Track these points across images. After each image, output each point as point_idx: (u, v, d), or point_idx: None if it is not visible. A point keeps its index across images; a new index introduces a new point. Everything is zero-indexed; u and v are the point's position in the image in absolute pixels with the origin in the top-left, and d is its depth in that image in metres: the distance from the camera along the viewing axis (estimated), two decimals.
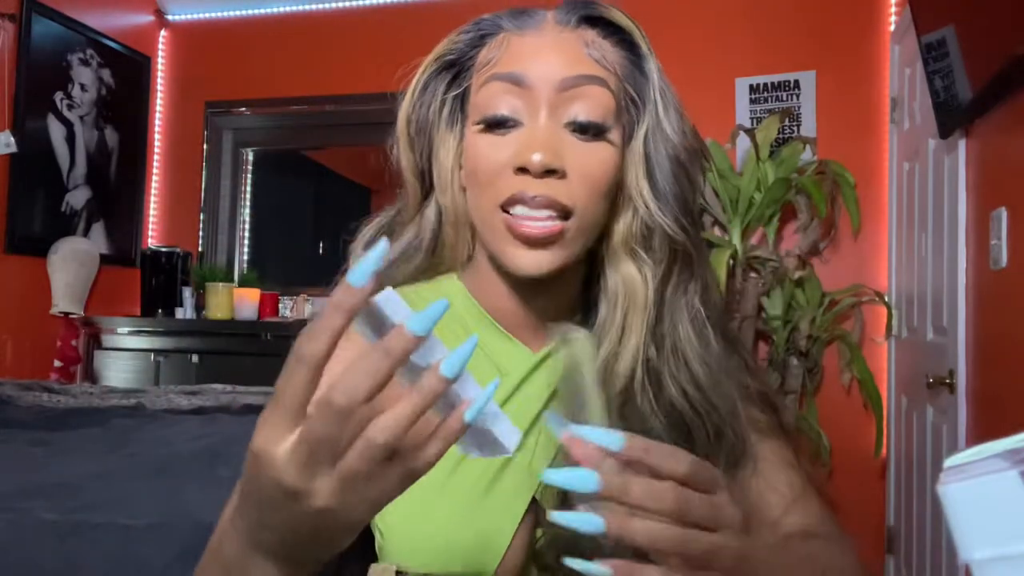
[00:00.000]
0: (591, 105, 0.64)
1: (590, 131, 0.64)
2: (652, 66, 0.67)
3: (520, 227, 0.62)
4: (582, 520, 0.44)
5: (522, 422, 0.67)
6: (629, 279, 0.67)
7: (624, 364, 0.65)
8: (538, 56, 0.65)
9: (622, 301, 0.67)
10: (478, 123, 0.66)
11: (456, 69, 0.70)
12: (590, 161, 0.64)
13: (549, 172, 0.62)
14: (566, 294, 0.71)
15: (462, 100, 0.70)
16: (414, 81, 0.70)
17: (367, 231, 0.75)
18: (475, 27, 0.69)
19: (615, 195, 0.67)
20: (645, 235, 0.67)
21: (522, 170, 0.62)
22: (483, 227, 0.67)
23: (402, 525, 0.64)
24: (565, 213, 0.63)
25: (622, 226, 0.67)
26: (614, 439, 0.45)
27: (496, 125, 0.65)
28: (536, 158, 0.61)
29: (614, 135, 0.65)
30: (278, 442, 0.40)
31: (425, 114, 0.70)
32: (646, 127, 0.67)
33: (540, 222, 0.62)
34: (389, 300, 0.40)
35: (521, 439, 0.44)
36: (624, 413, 0.65)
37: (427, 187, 0.73)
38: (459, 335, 0.70)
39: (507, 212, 0.63)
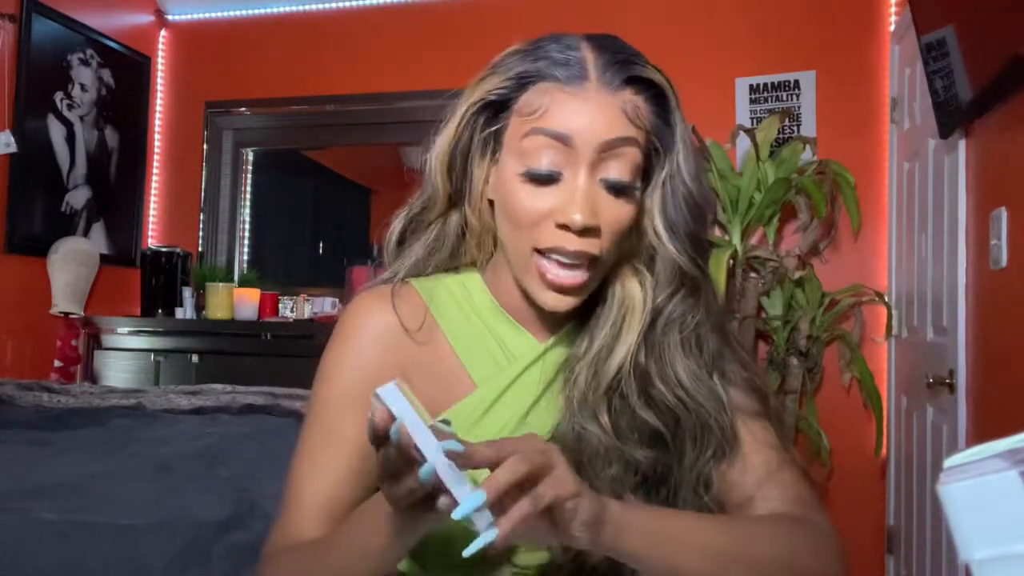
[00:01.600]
0: (623, 164, 0.72)
1: (619, 189, 0.72)
2: (677, 118, 0.76)
3: (549, 276, 0.72)
4: (484, 537, 0.56)
5: (520, 407, 0.79)
6: (631, 291, 0.77)
7: (616, 359, 0.75)
8: (583, 118, 0.71)
9: (622, 307, 0.77)
10: (521, 173, 0.73)
11: (495, 107, 0.77)
12: (618, 215, 0.73)
13: (587, 230, 0.71)
14: None
15: (496, 132, 0.77)
16: (457, 117, 0.78)
17: (396, 224, 0.85)
18: (518, 75, 0.75)
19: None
20: (652, 258, 0.77)
21: (563, 226, 0.71)
22: (517, 262, 0.76)
23: None
24: (593, 260, 0.73)
25: (633, 249, 0.77)
26: (478, 496, 0.55)
27: (539, 179, 0.72)
28: (577, 219, 0.70)
29: (637, 186, 0.74)
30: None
31: (466, 145, 0.79)
32: (666, 172, 0.76)
33: (570, 271, 0.72)
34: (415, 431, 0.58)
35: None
36: (614, 406, 0.75)
37: (454, 201, 0.82)
38: (475, 324, 0.82)
39: (541, 254, 0.73)
